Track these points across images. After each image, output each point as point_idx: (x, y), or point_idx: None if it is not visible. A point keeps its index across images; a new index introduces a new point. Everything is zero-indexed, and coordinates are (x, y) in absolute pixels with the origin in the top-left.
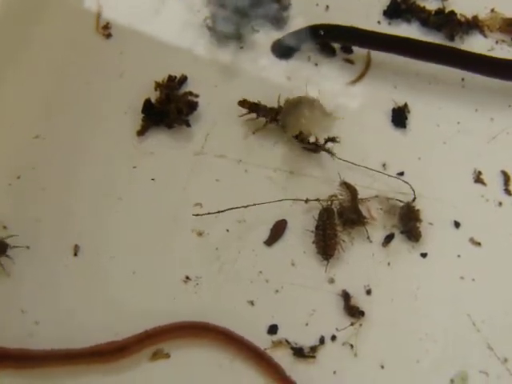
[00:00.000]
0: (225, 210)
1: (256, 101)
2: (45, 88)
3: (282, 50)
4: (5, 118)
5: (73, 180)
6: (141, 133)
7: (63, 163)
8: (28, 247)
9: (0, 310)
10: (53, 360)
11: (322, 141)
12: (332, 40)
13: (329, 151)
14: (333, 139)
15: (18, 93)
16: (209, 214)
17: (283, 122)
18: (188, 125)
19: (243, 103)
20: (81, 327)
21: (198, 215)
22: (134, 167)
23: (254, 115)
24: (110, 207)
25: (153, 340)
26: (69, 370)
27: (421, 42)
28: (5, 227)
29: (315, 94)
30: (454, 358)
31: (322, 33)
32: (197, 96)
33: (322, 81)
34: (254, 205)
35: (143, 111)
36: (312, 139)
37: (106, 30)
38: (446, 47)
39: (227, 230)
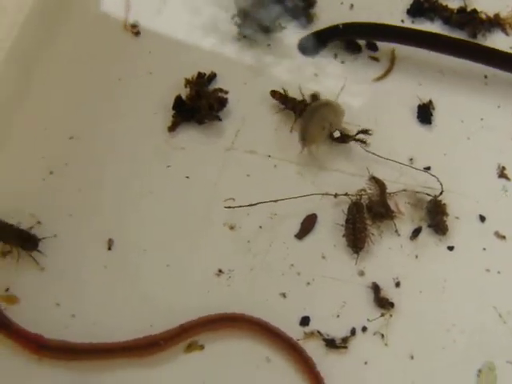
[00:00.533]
0: (256, 204)
1: (286, 93)
2: (76, 86)
3: (309, 48)
4: (37, 117)
5: (105, 175)
6: (172, 129)
7: (95, 159)
8: (55, 235)
9: (36, 303)
10: (90, 353)
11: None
12: (351, 36)
13: (361, 140)
14: (365, 131)
15: (48, 91)
16: (240, 206)
17: (303, 127)
18: (219, 119)
19: (274, 93)
20: (116, 320)
21: (229, 207)
22: (166, 162)
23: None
24: (142, 201)
25: (189, 333)
26: (105, 363)
27: (440, 35)
28: (39, 222)
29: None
30: (481, 349)
31: (341, 27)
32: (226, 92)
33: (348, 78)
34: (285, 199)
35: (174, 107)
36: (336, 133)
37: (134, 28)
38: (459, 41)
39: (258, 224)
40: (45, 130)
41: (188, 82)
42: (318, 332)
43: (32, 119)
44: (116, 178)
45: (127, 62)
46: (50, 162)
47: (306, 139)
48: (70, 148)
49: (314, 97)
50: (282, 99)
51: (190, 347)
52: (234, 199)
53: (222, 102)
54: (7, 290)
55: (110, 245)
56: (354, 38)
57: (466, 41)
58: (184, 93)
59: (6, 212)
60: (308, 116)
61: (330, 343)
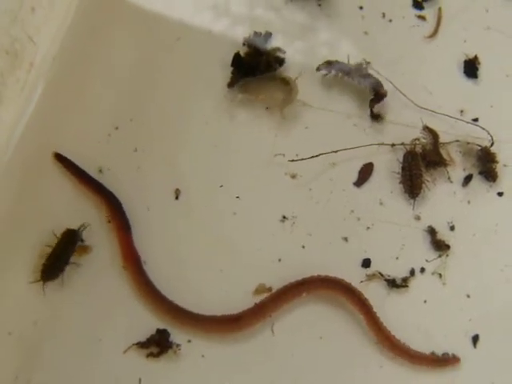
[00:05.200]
0: (318, 155)
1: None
2: (137, 46)
3: None
4: (101, 77)
5: (169, 129)
6: (231, 85)
7: (158, 114)
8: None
9: (108, 251)
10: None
11: None
12: None
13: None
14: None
15: (112, 53)
16: (303, 159)
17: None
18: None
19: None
20: (185, 265)
21: (293, 161)
22: (227, 117)
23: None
24: (206, 154)
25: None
26: None
27: None
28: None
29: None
30: None
31: None
32: (284, 52)
33: (397, 36)
34: (345, 149)
35: (233, 64)
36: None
37: None
38: None
39: (318, 173)
40: (109, 88)
41: (246, 41)
42: (380, 273)
43: (97, 79)
44: (180, 131)
45: (186, 22)
46: (114, 119)
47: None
48: (133, 104)
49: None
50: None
51: (258, 290)
52: (293, 150)
53: (280, 61)
54: (81, 240)
55: (177, 194)
56: None
57: None
58: (242, 51)
59: None
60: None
61: (392, 283)
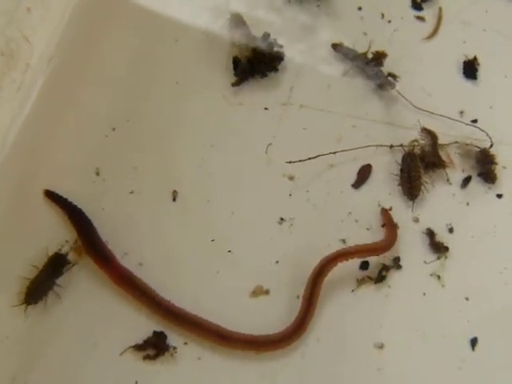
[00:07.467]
0: (316, 157)
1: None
2: (134, 47)
3: None
4: (98, 77)
5: (167, 130)
6: (236, 84)
7: (156, 115)
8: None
9: None
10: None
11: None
12: None
13: (390, 82)
14: (393, 75)
15: (108, 54)
16: (300, 161)
17: None
18: (277, 70)
19: (335, 46)
20: (182, 268)
21: (290, 162)
22: (226, 118)
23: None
24: (205, 154)
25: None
26: None
27: None
28: (104, 180)
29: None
30: None
31: None
32: (281, 47)
33: (395, 36)
34: (343, 151)
35: (234, 69)
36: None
37: None
38: None
39: (316, 175)
40: (106, 89)
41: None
42: (369, 277)
43: (94, 79)
44: (178, 132)
45: (184, 22)
46: (111, 119)
47: None
48: (130, 105)
49: (379, 54)
50: (343, 51)
51: (256, 292)
52: (291, 152)
53: (279, 57)
54: (76, 241)
55: (174, 196)
56: None
57: None
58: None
59: (71, 169)
60: None
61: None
